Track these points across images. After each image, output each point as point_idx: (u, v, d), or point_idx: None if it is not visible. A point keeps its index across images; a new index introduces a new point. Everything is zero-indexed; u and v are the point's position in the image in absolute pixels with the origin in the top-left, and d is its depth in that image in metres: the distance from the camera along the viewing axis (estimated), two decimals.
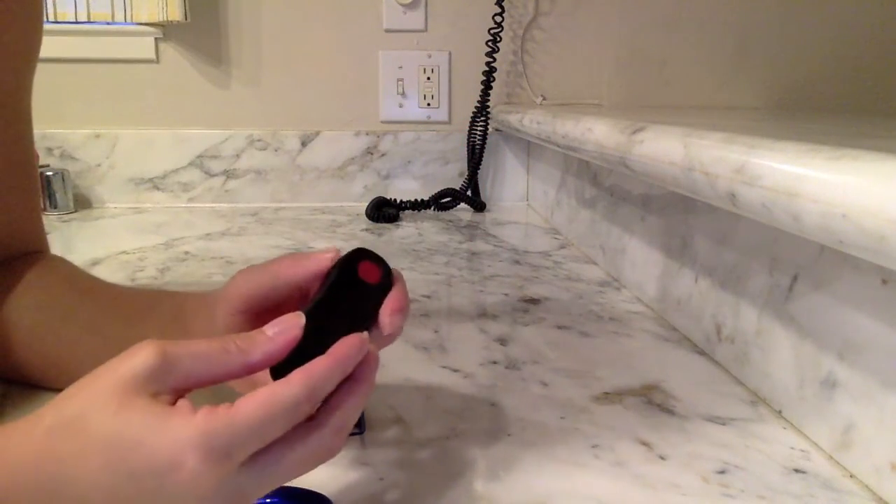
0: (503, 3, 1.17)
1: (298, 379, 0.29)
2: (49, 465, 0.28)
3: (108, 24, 1.22)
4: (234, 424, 0.28)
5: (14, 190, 0.51)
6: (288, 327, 0.31)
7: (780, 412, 0.46)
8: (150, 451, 0.27)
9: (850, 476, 0.39)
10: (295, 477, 0.30)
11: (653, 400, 0.49)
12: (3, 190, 0.50)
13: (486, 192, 1.31)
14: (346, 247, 0.75)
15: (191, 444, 0.27)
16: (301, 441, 0.30)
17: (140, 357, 0.29)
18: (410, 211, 1.22)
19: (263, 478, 0.29)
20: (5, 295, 0.48)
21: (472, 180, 1.26)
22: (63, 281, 0.51)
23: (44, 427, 0.28)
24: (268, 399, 0.28)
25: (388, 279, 0.37)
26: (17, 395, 0.49)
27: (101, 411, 0.28)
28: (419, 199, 1.22)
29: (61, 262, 0.53)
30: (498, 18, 1.18)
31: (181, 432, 0.27)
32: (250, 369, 0.31)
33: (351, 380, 0.32)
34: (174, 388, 0.29)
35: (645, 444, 0.43)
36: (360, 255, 0.37)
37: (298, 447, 0.30)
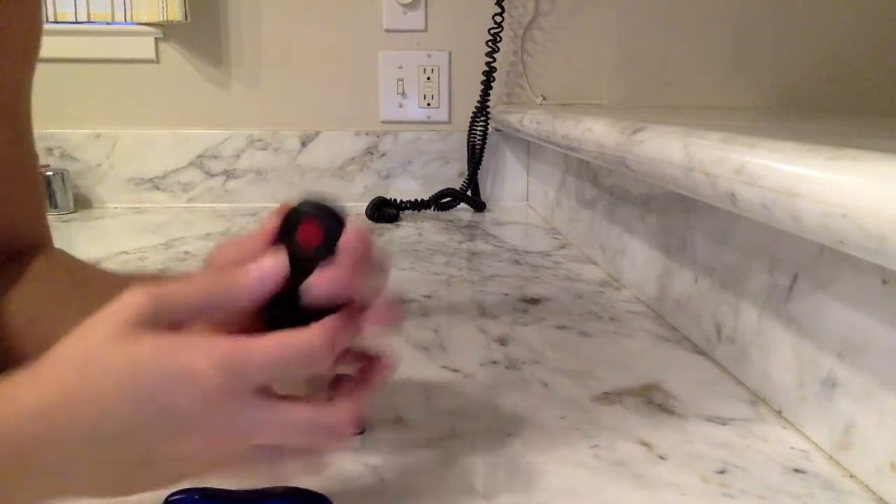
0: (503, 3, 1.17)
1: (317, 327, 0.30)
2: (64, 410, 0.28)
3: (108, 24, 1.22)
4: (251, 350, 0.29)
5: (17, 187, 0.52)
6: (271, 270, 0.31)
7: (780, 412, 0.46)
8: (166, 367, 0.28)
9: (850, 476, 0.39)
10: (296, 445, 0.31)
11: (653, 400, 0.48)
12: (7, 189, 0.50)
13: (486, 192, 1.31)
14: None
15: (208, 356, 0.28)
16: (312, 406, 0.30)
17: (133, 301, 0.29)
18: (410, 211, 1.22)
19: (268, 417, 0.30)
20: (8, 287, 0.48)
21: (472, 180, 1.26)
22: (64, 271, 0.51)
23: (52, 376, 0.29)
24: (285, 339, 0.29)
25: (335, 235, 0.31)
26: None
27: (109, 352, 0.28)
28: (419, 199, 1.22)
29: (63, 254, 0.54)
30: (498, 18, 1.18)
31: (198, 347, 0.28)
32: (236, 308, 0.31)
33: (363, 377, 0.33)
34: (172, 327, 0.30)
35: (645, 444, 0.42)
36: (300, 216, 0.32)
37: (307, 410, 0.30)
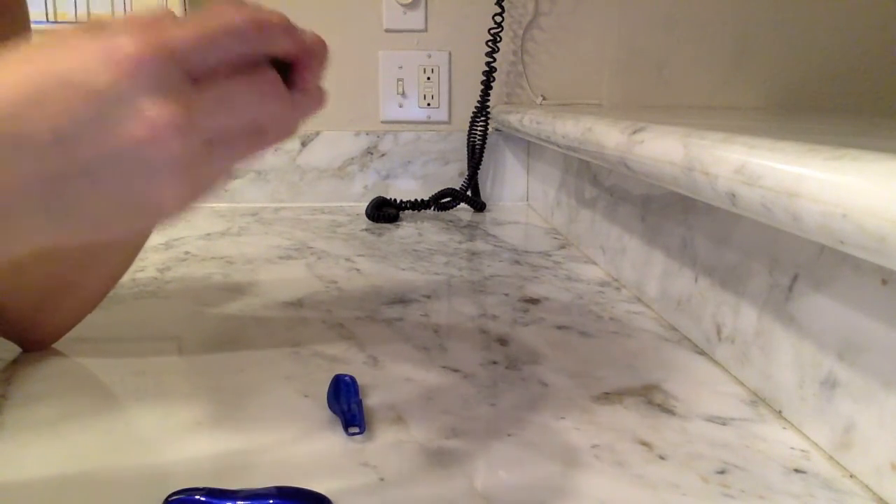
0: (503, 3, 1.17)
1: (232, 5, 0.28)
2: None
3: None
4: (169, 28, 0.26)
5: None
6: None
7: (780, 412, 0.46)
8: (77, 47, 0.25)
9: (850, 476, 0.39)
10: (242, 114, 0.28)
11: (653, 400, 0.49)
12: None
13: (486, 192, 1.31)
14: (346, 248, 0.76)
15: (125, 32, 0.25)
16: (247, 76, 0.28)
17: None
18: (410, 211, 1.22)
19: (209, 95, 0.27)
20: None
21: (472, 180, 1.26)
22: None
23: None
24: (203, 16, 0.27)
25: None
26: (17, 395, 0.49)
27: None
28: (419, 199, 1.22)
29: None
30: (498, 18, 1.18)
31: (113, 30, 0.25)
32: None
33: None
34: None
35: (645, 444, 0.43)
36: None
37: (244, 78, 0.28)
